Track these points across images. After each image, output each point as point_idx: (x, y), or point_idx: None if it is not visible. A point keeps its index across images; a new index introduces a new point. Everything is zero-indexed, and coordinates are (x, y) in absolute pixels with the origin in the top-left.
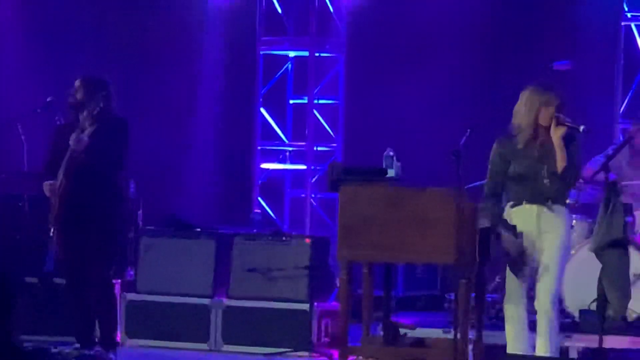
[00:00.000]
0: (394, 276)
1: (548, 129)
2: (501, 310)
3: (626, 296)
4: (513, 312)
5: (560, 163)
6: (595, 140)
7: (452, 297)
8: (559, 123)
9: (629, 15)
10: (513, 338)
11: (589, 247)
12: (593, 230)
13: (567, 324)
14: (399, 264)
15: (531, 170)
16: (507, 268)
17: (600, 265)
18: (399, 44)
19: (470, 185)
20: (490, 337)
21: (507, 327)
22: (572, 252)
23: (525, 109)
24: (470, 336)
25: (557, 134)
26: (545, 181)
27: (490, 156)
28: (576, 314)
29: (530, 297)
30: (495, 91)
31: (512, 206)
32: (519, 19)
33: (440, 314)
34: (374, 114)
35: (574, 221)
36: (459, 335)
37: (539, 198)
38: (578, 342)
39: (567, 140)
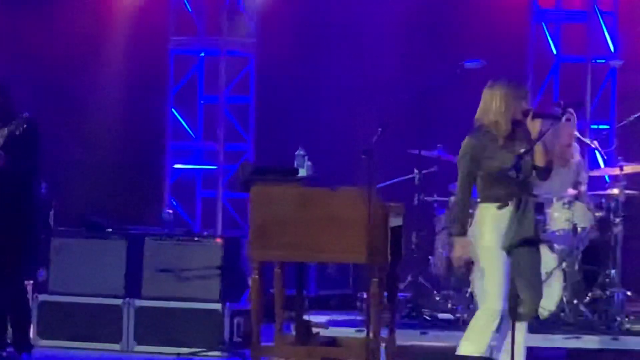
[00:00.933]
0: (306, 275)
1: (519, 123)
2: (413, 308)
3: (538, 294)
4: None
5: (541, 156)
6: None
7: (365, 296)
8: (535, 116)
9: (539, 14)
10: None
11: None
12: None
13: None
14: (311, 263)
15: (514, 167)
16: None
17: (512, 263)
18: (310, 43)
19: (381, 185)
20: (402, 336)
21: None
22: None
23: (502, 105)
24: (382, 335)
25: (536, 127)
26: (531, 178)
27: (462, 152)
28: None
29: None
30: (407, 90)
31: (499, 207)
32: (431, 18)
33: (352, 313)
34: (285, 113)
35: None
36: (371, 335)
37: (525, 198)
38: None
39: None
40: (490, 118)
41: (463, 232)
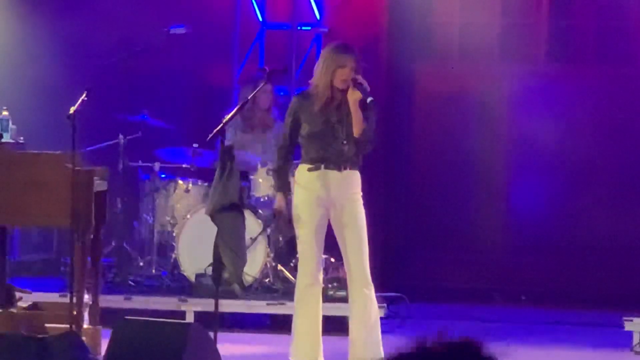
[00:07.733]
0: (9, 240)
1: (345, 91)
2: (117, 273)
3: (242, 260)
4: (309, 294)
5: (356, 127)
6: (213, 105)
7: (68, 261)
8: (355, 86)
9: None
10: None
11: (205, 210)
12: (209, 194)
13: (183, 288)
14: (15, 227)
15: (329, 132)
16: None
17: (216, 229)
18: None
19: (86, 149)
20: (106, 301)
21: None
22: (188, 216)
23: (323, 68)
24: (86, 300)
25: (353, 97)
26: (344, 145)
27: (287, 112)
28: (192, 278)
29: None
30: (113, 54)
31: (310, 170)
32: None
33: (56, 278)
34: None
35: (190, 185)
36: (74, 299)
37: (337, 163)
38: (194, 306)
39: (364, 105)
40: (314, 81)
41: (281, 189)
